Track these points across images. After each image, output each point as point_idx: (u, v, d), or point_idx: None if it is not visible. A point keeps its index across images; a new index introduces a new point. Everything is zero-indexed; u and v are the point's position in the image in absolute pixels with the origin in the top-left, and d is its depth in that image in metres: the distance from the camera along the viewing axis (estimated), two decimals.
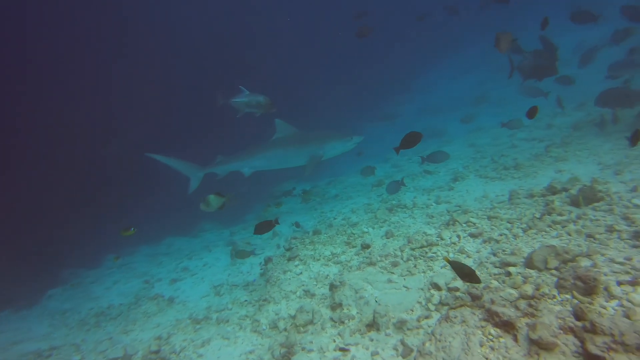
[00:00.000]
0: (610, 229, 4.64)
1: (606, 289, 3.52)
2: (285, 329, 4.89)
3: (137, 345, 5.83)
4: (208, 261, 9.33)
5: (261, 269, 7.15)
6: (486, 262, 4.67)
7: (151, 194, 14.59)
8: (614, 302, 3.37)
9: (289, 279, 5.97)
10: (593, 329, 2.88)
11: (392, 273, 5.12)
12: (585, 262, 4.07)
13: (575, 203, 5.64)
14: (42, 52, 15.34)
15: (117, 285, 9.38)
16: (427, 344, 3.37)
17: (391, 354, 3.82)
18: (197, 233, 13.08)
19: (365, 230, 7.01)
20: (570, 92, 11.93)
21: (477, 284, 3.84)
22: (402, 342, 3.84)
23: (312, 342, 4.32)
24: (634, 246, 4.21)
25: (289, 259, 6.53)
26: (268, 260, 6.95)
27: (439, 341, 3.31)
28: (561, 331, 3.07)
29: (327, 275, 5.80)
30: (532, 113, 6.22)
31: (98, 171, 14.78)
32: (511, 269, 4.28)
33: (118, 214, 12.98)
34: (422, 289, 4.60)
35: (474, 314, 3.40)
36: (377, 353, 3.89)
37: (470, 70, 23.47)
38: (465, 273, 3.61)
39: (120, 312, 7.56)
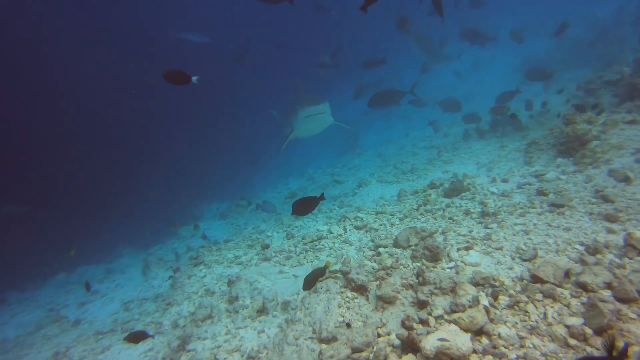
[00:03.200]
0: (467, 212, 5.42)
1: (448, 255, 4.19)
2: (184, 326, 5.12)
3: None
4: (120, 282, 9.20)
5: (171, 280, 7.28)
6: (364, 247, 5.25)
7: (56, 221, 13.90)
8: (451, 264, 4.04)
9: (193, 282, 6.20)
10: (424, 282, 3.48)
11: (284, 265, 5.56)
12: (439, 238, 4.76)
13: (447, 195, 6.46)
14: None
15: (14, 319, 8.71)
16: (298, 313, 3.81)
17: (275, 331, 4.21)
18: (113, 259, 12.71)
19: (270, 234, 7.42)
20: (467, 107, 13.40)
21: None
22: (286, 320, 4.25)
23: (206, 332, 4.61)
24: (480, 222, 4.99)
25: (195, 265, 6.76)
26: (176, 269, 7.12)
27: (307, 309, 3.77)
28: (403, 288, 3.64)
29: (229, 275, 6.11)
30: None
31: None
32: (381, 250, 4.88)
33: (21, 249, 12.34)
34: None
35: (336, 283, 3.91)
36: (262, 331, 4.27)
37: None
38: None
39: (16, 343, 7.06)
